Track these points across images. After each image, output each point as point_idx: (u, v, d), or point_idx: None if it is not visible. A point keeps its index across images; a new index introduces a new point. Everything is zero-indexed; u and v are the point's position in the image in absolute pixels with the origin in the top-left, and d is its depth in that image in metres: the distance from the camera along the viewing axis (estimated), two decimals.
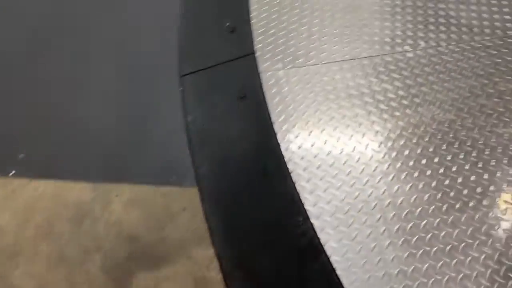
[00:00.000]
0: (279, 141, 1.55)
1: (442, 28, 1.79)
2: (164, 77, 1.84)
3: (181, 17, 1.92)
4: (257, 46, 1.77)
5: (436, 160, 1.49)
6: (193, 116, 1.68)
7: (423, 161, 1.48)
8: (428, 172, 1.46)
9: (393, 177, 1.45)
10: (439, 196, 1.41)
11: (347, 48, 1.74)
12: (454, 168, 1.46)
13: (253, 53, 1.76)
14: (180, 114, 1.71)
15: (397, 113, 1.58)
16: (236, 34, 1.84)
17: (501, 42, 1.74)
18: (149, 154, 1.64)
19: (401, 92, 1.63)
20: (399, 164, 1.48)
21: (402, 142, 1.52)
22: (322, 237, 1.35)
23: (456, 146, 1.51)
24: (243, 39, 1.81)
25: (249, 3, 1.90)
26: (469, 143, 1.51)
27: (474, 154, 1.49)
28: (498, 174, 1.45)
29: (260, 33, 1.80)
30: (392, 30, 1.79)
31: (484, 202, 1.40)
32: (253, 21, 1.84)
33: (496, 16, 1.82)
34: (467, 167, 1.47)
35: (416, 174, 1.46)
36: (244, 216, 1.46)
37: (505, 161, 1.47)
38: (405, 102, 1.61)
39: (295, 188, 1.46)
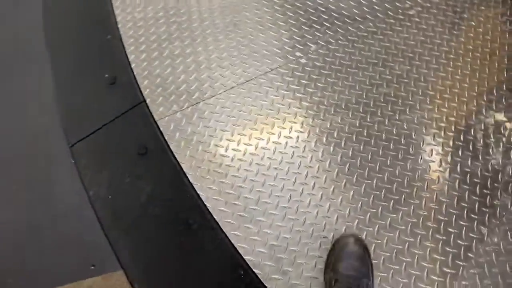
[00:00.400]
0: (197, 191, 1.41)
1: (327, 24, 1.75)
2: (53, 152, 1.61)
3: (54, 80, 1.70)
4: (145, 92, 1.61)
5: (358, 164, 1.44)
6: (95, 189, 1.48)
7: (346, 169, 1.43)
8: (354, 179, 1.41)
9: (322, 195, 1.38)
10: (371, 201, 1.37)
11: (239, 71, 1.64)
12: (377, 168, 1.43)
13: (142, 101, 1.60)
14: (81, 190, 1.51)
15: (307, 126, 1.51)
16: (118, 84, 1.66)
17: (384, 25, 1.74)
18: (56, 248, 1.42)
19: (305, 102, 1.57)
20: (323, 180, 1.41)
21: (320, 155, 1.45)
22: (269, 285, 1.25)
23: (372, 143, 1.47)
24: (128, 89, 1.64)
25: (124, 47, 1.72)
26: (383, 137, 1.48)
27: (391, 147, 1.46)
28: (420, 161, 1.44)
29: (144, 77, 1.64)
30: (279, 39, 1.71)
31: (414, 194, 1.37)
32: (133, 65, 1.67)
33: (374, 0, 1.81)
34: (388, 162, 1.44)
35: (343, 186, 1.40)
36: (180, 285, 1.31)
37: (422, 146, 1.46)
38: (311, 111, 1.55)
39: (228, 239, 1.33)
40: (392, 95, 1.57)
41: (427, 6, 1.78)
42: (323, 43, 1.70)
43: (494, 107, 1.53)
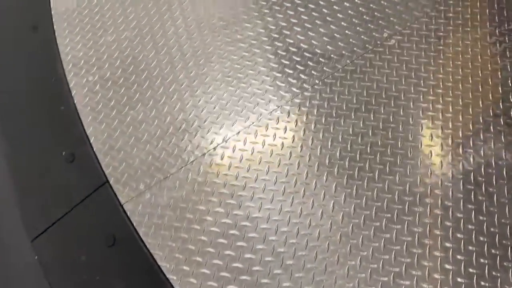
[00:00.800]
0: None
1: (300, 67, 1.59)
2: (14, 248, 1.46)
3: (7, 164, 1.53)
4: (107, 170, 1.46)
5: (350, 232, 1.30)
6: None
7: (338, 240, 1.28)
8: (348, 252, 1.27)
9: (314, 276, 1.23)
10: (368, 278, 1.22)
11: (209, 133, 1.49)
12: (371, 235, 1.28)
13: (105, 182, 1.44)
14: None
15: (290, 192, 1.36)
16: (77, 163, 1.50)
17: (363, 61, 1.58)
18: None
19: (285, 163, 1.41)
20: (313, 257, 1.26)
21: (307, 227, 1.30)
22: None
23: (363, 205, 1.33)
24: (89, 167, 1.48)
25: (80, 118, 1.55)
26: (375, 197, 1.34)
27: (385, 208, 1.33)
28: (417, 222, 1.29)
29: (105, 153, 1.48)
30: (248, 91, 1.55)
31: (416, 264, 1.23)
32: (92, 139, 1.51)
33: (349, 32, 1.64)
34: (383, 227, 1.30)
35: (336, 261, 1.25)
36: None
37: (418, 203, 1.31)
38: (293, 173, 1.40)
39: None
40: (380, 144, 1.42)
41: (407, 33, 1.62)
42: (297, 90, 1.54)
43: (493, 147, 1.38)
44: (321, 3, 1.71)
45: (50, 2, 1.83)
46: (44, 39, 1.77)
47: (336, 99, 1.51)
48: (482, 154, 1.37)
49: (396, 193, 1.33)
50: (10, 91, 1.70)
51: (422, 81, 1.52)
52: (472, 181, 1.33)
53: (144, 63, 1.65)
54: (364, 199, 1.33)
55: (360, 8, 1.69)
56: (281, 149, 1.43)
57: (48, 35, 1.76)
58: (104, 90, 1.60)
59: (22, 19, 1.84)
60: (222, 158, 1.43)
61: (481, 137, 1.40)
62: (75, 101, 1.59)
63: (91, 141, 1.51)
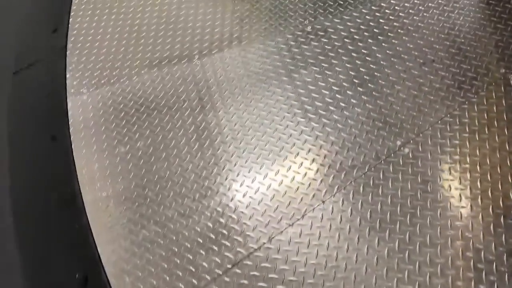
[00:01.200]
0: None
1: (310, 179, 1.56)
2: None
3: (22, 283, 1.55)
4: None
5: None
6: None
7: None
8: None
9: None
10: None
11: (219, 257, 1.46)
12: None
13: None
14: None
15: None
16: (90, 286, 1.49)
17: (376, 173, 1.55)
18: None
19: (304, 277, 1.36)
20: None
21: None
22: None
23: None
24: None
25: (94, 238, 1.56)
26: None
27: None
28: None
29: (117, 277, 1.49)
30: (261, 207, 1.53)
31: None
32: (104, 261, 1.52)
33: (360, 141, 1.62)
34: None
35: None
36: None
37: None
38: None
39: None
40: (396, 269, 1.36)
41: (421, 141, 1.58)
42: (308, 204, 1.51)
43: None
44: (331, 108, 1.70)
45: (68, 111, 1.88)
46: (62, 150, 1.81)
47: (349, 215, 1.47)
48: (506, 282, 1.29)
49: None
50: (27, 204, 1.74)
51: (439, 196, 1.46)
52: None
53: (156, 176, 1.66)
54: None
55: (371, 113, 1.67)
56: (294, 274, 1.39)
57: (66, 146, 1.81)
58: (117, 206, 1.61)
59: (42, 128, 1.91)
60: (233, 285, 1.40)
61: (504, 262, 1.32)
62: (89, 218, 1.61)
63: (103, 263, 1.51)
